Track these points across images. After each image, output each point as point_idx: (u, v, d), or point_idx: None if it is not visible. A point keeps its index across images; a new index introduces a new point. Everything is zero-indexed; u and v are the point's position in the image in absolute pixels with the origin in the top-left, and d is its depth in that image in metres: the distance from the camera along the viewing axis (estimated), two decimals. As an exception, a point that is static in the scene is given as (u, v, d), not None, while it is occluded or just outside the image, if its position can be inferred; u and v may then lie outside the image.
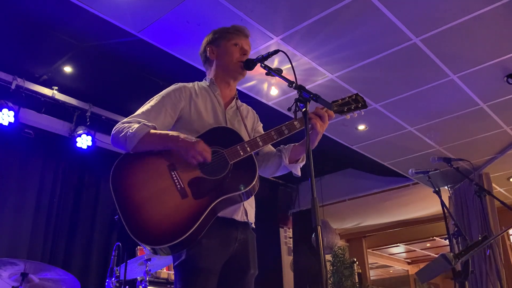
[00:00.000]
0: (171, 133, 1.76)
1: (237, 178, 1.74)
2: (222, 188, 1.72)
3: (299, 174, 1.96)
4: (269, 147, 2.06)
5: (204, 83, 2.05)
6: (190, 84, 2.01)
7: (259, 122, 2.18)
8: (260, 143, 1.81)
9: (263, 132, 2.02)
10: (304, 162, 1.96)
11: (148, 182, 1.73)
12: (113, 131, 1.80)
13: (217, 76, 2.04)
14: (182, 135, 1.74)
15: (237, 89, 2.19)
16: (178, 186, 1.72)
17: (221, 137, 1.83)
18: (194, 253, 1.71)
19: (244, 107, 2.13)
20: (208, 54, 2.06)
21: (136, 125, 1.76)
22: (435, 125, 5.02)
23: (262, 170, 2.03)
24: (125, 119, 1.83)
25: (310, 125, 1.83)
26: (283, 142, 2.03)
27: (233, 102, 2.06)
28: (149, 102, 1.90)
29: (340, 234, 8.73)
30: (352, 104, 1.89)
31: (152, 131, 1.76)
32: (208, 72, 2.11)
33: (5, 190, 4.71)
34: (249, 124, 2.07)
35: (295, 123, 1.83)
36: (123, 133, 1.75)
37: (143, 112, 1.85)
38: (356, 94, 1.91)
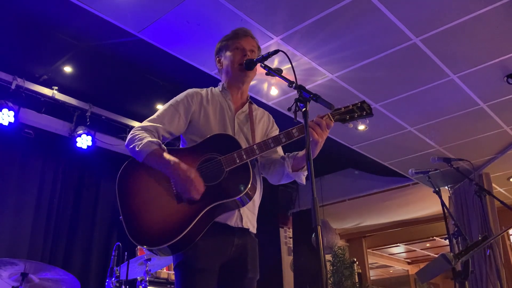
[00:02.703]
0: (172, 160, 1.76)
1: (231, 185, 1.75)
2: (215, 195, 1.74)
3: (304, 182, 1.93)
4: (279, 154, 2.05)
5: (217, 89, 2.09)
6: (203, 90, 2.05)
7: (275, 126, 2.16)
8: (257, 151, 1.80)
9: None
10: (307, 172, 1.91)
11: (149, 188, 1.80)
12: (127, 138, 1.87)
13: (227, 83, 2.07)
14: (181, 165, 1.73)
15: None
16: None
17: (220, 144, 1.84)
18: (191, 254, 1.76)
19: (260, 111, 2.14)
20: (217, 65, 2.12)
21: (144, 141, 1.79)
22: (435, 125, 5.02)
23: (269, 176, 2.03)
24: (139, 125, 1.89)
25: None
26: (289, 148, 2.01)
27: (245, 107, 2.07)
28: (164, 107, 1.96)
29: (340, 234, 8.73)
30: (356, 112, 1.84)
31: (156, 151, 1.78)
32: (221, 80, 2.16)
33: (5, 190, 4.71)
34: (260, 129, 2.06)
35: (293, 131, 1.81)
36: (132, 146, 1.82)
37: (158, 116, 1.92)
38: (362, 102, 1.87)
